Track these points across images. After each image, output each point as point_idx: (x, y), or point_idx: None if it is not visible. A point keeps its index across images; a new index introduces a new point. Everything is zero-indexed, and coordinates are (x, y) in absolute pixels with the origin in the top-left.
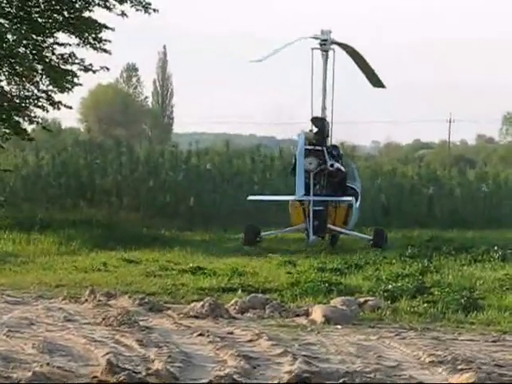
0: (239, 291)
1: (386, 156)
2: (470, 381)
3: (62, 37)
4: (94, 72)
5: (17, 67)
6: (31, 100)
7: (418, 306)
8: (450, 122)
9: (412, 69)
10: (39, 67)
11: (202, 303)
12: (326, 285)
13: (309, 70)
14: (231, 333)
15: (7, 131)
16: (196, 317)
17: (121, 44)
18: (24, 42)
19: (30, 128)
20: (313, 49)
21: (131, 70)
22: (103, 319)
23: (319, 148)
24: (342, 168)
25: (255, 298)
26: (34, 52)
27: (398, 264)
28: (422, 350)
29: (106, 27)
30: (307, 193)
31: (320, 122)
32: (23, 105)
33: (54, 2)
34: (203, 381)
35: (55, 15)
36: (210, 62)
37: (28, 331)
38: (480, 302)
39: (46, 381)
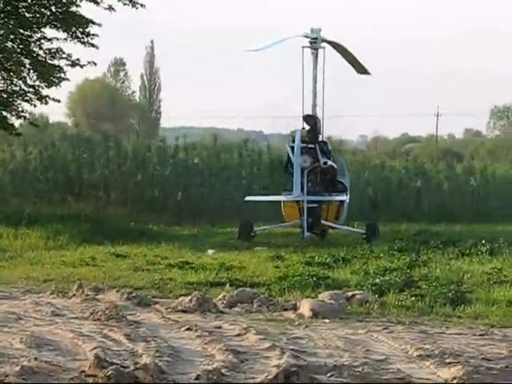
0: (227, 285)
1: (374, 150)
2: (458, 374)
3: (49, 31)
4: (82, 66)
5: (4, 62)
6: (19, 94)
7: (405, 300)
8: (437, 115)
9: (399, 62)
10: (27, 62)
11: (189, 297)
12: (314, 279)
13: (296, 66)
14: (219, 327)
15: None
16: (184, 311)
17: (108, 38)
18: (11, 36)
19: (17, 123)
20: (303, 47)
21: (119, 64)
22: (91, 314)
23: (312, 146)
24: (334, 165)
25: (243, 292)
26: (21, 47)
27: (385, 258)
28: (410, 344)
29: (93, 22)
30: (302, 191)
31: (312, 120)
32: (10, 99)
33: None
34: (191, 375)
35: (42, 10)
36: (197, 57)
37: (16, 326)
38: (468, 295)
39: (33, 375)
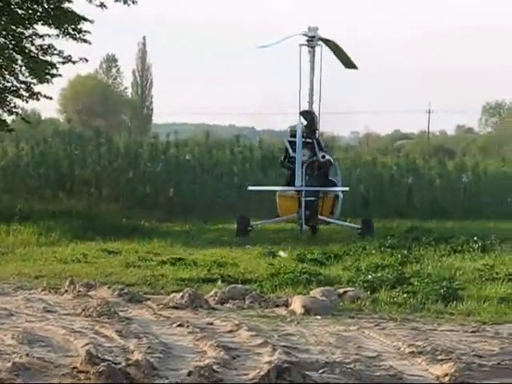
0: (219, 282)
1: (366, 146)
2: (450, 371)
3: (41, 28)
4: (74, 63)
5: None
6: (11, 91)
7: (397, 297)
8: (429, 112)
9: (391, 59)
10: (19, 58)
11: (181, 294)
12: (306, 275)
13: (289, 63)
14: (211, 323)
15: None
16: (175, 307)
17: (100, 35)
18: (3, 32)
19: (9, 119)
20: (301, 45)
21: (111, 60)
22: (83, 310)
23: (309, 140)
24: (332, 159)
25: (235, 289)
26: (13, 43)
27: (377, 254)
28: (402, 341)
29: (85, 19)
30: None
31: (309, 116)
32: (2, 95)
33: None
34: (182, 371)
35: (35, 6)
36: (189, 54)
37: (7, 322)
38: (459, 292)
39: (25, 371)
